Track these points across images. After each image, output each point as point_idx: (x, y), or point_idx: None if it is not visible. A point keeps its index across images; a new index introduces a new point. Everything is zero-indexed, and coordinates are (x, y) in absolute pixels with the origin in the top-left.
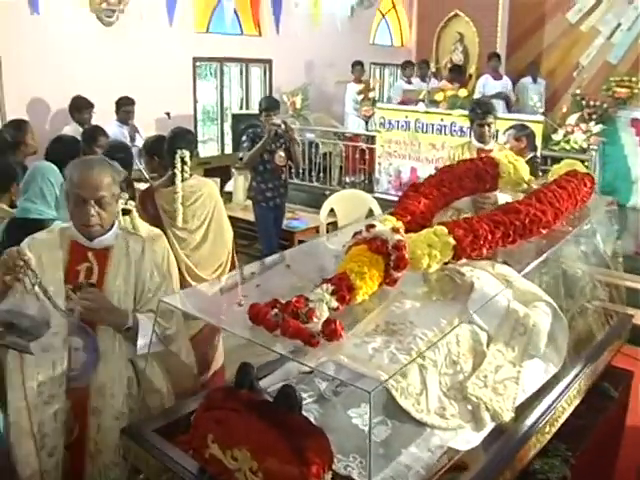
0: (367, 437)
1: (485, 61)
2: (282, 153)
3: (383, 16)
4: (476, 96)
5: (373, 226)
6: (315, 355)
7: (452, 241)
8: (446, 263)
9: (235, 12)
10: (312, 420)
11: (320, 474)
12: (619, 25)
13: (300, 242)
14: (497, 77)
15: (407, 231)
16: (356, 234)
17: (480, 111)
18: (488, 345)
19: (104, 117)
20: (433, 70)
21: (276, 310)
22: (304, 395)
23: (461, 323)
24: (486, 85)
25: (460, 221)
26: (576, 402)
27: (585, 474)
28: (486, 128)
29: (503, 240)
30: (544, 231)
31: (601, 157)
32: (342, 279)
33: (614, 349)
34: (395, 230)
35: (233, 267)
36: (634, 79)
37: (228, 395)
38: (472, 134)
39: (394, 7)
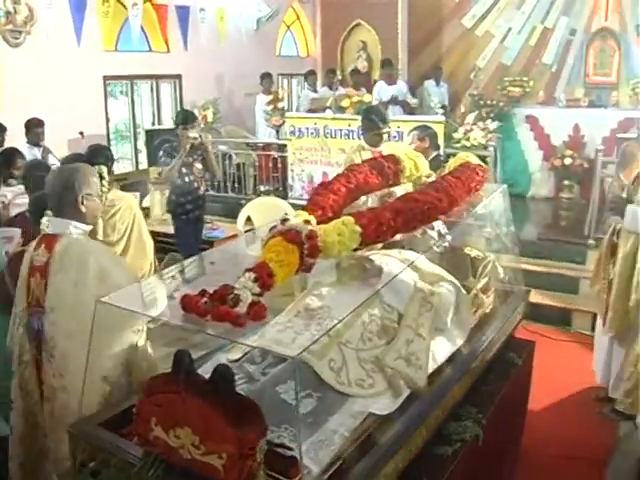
0: (295, 409)
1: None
2: (199, 165)
3: (288, 28)
4: (374, 102)
5: (287, 220)
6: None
7: (359, 229)
8: (356, 250)
9: (142, 29)
10: None
11: (256, 441)
12: (510, 29)
13: None
14: (391, 82)
15: (319, 224)
16: (272, 228)
17: (378, 119)
18: (399, 322)
19: (15, 139)
20: (339, 78)
21: (205, 299)
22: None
23: (373, 304)
24: (381, 91)
25: (365, 211)
26: (482, 369)
27: (496, 432)
28: (384, 137)
29: (405, 227)
30: (442, 217)
31: (500, 152)
32: (262, 267)
33: (515, 322)
34: (307, 222)
35: None
36: (526, 79)
37: (167, 380)
38: (364, 138)
39: (298, 19)
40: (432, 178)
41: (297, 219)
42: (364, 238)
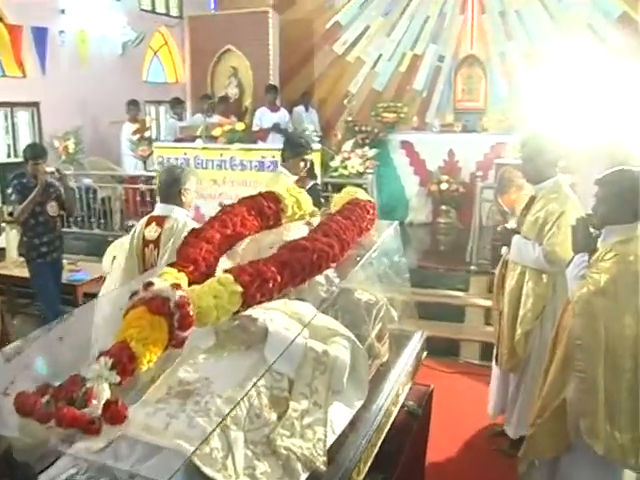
0: None
1: (260, 93)
2: (54, 203)
3: (155, 53)
4: (254, 128)
5: (152, 284)
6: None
7: (239, 289)
8: (237, 313)
9: None
10: None
11: None
12: (381, 55)
13: (86, 295)
14: (274, 109)
15: (191, 283)
16: (133, 295)
17: (306, 144)
18: (290, 391)
19: None
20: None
21: (47, 397)
22: None
23: (259, 373)
24: (263, 117)
25: (245, 266)
26: (386, 429)
27: None
28: (309, 163)
29: (292, 280)
30: (333, 265)
31: (377, 179)
32: (122, 349)
33: (414, 369)
34: (176, 286)
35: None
36: (400, 104)
37: None
38: (285, 165)
39: (166, 44)
40: (316, 217)
41: (164, 282)
42: (246, 299)
